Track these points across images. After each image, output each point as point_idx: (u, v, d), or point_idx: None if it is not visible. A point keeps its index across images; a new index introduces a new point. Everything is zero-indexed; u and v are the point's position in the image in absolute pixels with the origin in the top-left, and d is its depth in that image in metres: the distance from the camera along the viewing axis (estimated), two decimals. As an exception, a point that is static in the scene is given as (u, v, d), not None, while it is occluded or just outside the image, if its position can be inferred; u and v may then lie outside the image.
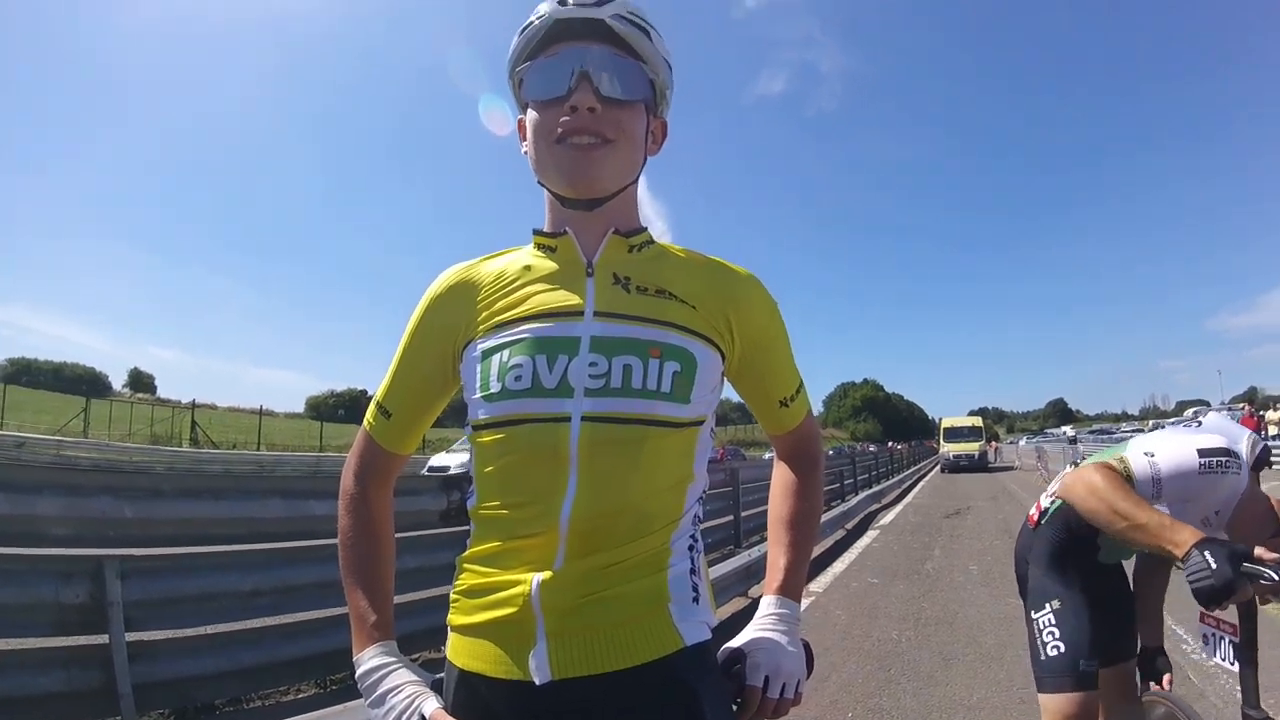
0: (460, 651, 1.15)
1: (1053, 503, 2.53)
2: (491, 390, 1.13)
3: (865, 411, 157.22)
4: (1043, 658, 2.32)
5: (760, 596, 1.35)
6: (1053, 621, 2.34)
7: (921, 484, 27.25)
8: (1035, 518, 2.59)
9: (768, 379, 1.32)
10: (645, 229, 1.27)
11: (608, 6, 1.15)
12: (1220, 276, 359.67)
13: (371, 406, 1.33)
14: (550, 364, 1.12)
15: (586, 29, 1.14)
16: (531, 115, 1.18)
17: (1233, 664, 1.89)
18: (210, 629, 4.23)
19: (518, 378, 1.12)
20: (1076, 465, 2.54)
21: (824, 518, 11.32)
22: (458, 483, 5.37)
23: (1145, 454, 2.12)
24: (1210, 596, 1.68)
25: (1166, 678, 2.51)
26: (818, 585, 8.18)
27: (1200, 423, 2.39)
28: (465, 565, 1.18)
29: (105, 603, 3.64)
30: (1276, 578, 1.66)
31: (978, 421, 42.72)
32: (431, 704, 1.13)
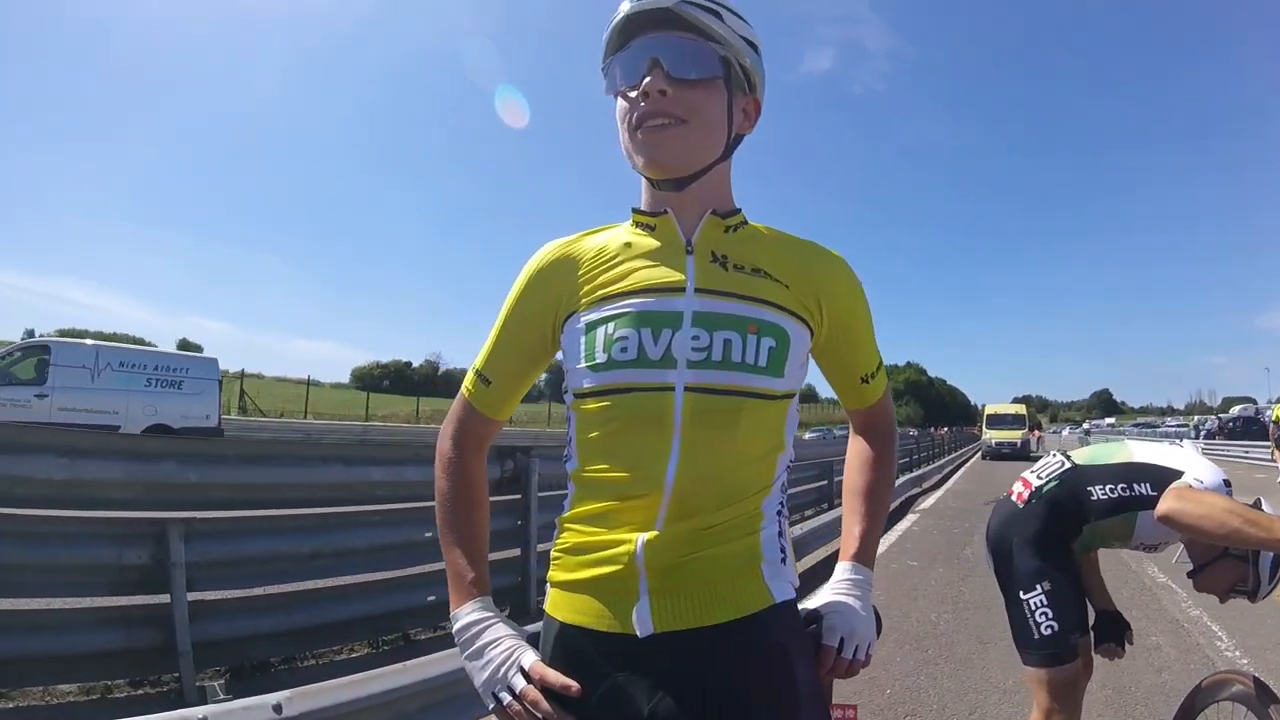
0: (561, 606, 1.22)
1: (1046, 483, 2.62)
2: (598, 360, 1.19)
3: (907, 395, 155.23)
4: (1037, 636, 2.46)
5: (836, 561, 1.41)
6: (1045, 602, 2.47)
7: (963, 470, 27.04)
8: (1024, 496, 2.66)
9: (851, 356, 1.37)
10: (740, 210, 1.32)
11: None
12: (1272, 272, 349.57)
13: (470, 374, 1.38)
14: (655, 337, 1.17)
15: (657, 19, 1.18)
16: (618, 105, 1.23)
17: None
18: (266, 589, 4.36)
19: (624, 349, 1.17)
20: (1064, 453, 2.78)
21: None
22: (511, 453, 5.47)
23: (1197, 479, 2.28)
24: None
25: (1129, 634, 2.74)
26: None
27: (1181, 444, 2.56)
28: (567, 525, 1.25)
29: (168, 564, 3.78)
30: None
31: (1021, 409, 42.18)
32: (530, 656, 1.19)
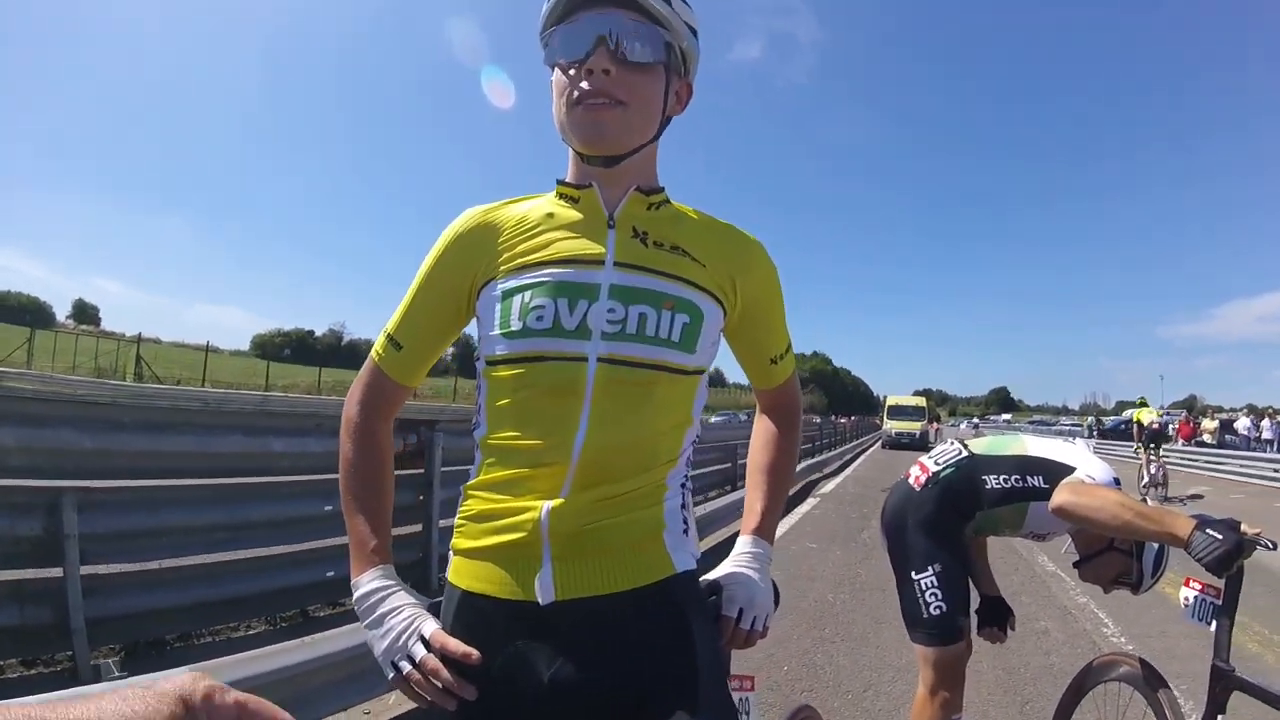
0: (464, 573, 1.23)
1: (944, 469, 2.73)
2: (513, 328, 1.20)
3: (812, 383, 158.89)
4: (925, 616, 2.58)
5: (737, 535, 1.47)
6: (936, 583, 2.58)
7: (863, 457, 27.77)
8: (921, 480, 2.76)
9: (762, 337, 1.42)
10: (663, 189, 1.34)
11: None
12: (1176, 285, 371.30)
13: (381, 338, 1.37)
14: (571, 307, 1.19)
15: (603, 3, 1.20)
16: (556, 76, 1.24)
17: (1210, 623, 2.13)
18: (163, 563, 4.22)
19: (539, 318, 1.19)
20: (962, 442, 2.88)
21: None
22: (415, 426, 5.39)
23: (1089, 476, 2.40)
24: (1224, 563, 1.97)
25: (1011, 620, 2.90)
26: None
27: (1074, 441, 2.71)
28: (472, 492, 1.26)
29: (61, 535, 3.60)
30: (1271, 545, 1.99)
31: (922, 401, 43.55)
32: (431, 625, 1.19)
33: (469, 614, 1.21)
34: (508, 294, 1.23)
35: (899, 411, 40.76)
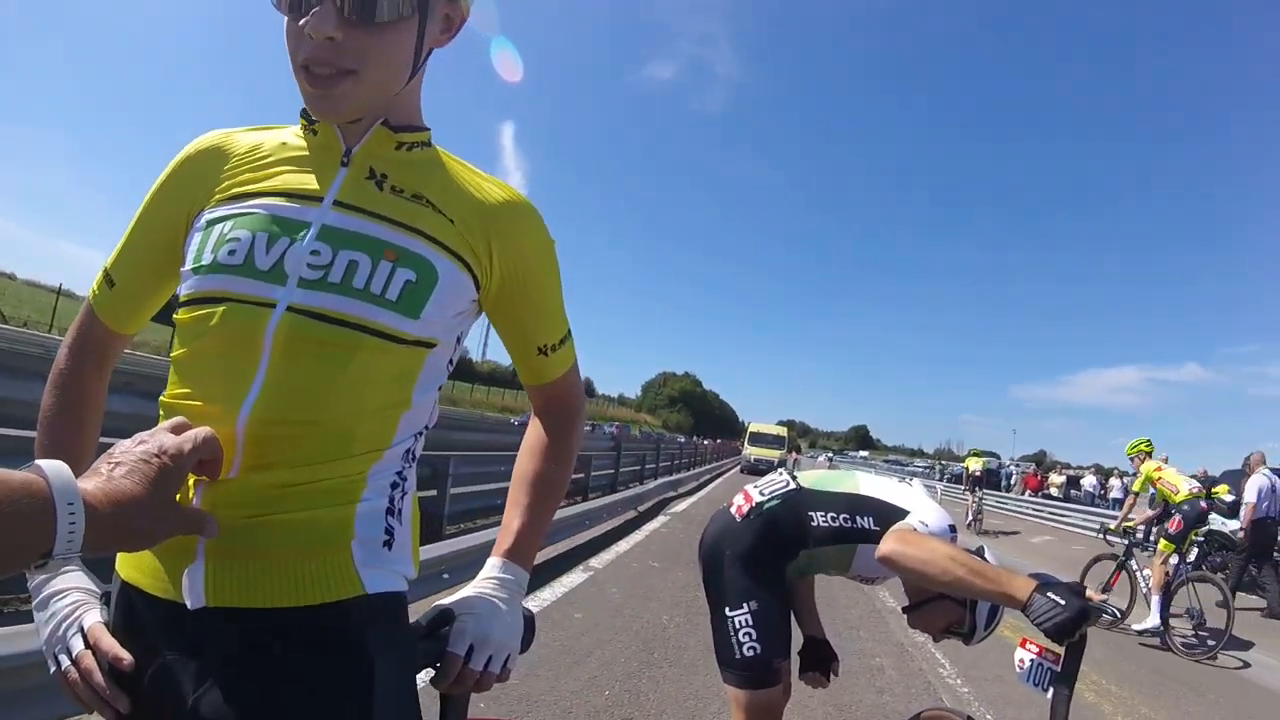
0: (124, 559, 1.01)
1: (768, 500, 2.56)
2: (202, 262, 0.99)
3: (680, 403, 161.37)
4: (738, 656, 2.38)
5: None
6: (750, 622, 2.39)
7: (720, 480, 28.21)
8: (744, 509, 2.58)
9: (527, 320, 1.20)
10: (426, 130, 1.14)
11: None
12: (1034, 349, 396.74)
13: (99, 274, 1.15)
14: (270, 244, 0.98)
15: None
16: (285, 21, 0.99)
17: (1046, 690, 1.95)
18: None
19: (231, 252, 0.98)
20: (791, 474, 2.69)
21: (616, 498, 11.44)
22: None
23: (922, 523, 2.23)
24: (1064, 630, 1.79)
25: (835, 665, 2.74)
26: (598, 561, 8.22)
27: (910, 482, 2.58)
28: None
29: None
30: (1117, 615, 1.76)
31: (783, 431, 44.87)
32: (94, 615, 1.00)
33: (128, 608, 0.99)
34: (210, 224, 1.02)
35: (760, 438, 41.78)
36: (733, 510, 2.61)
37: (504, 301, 1.15)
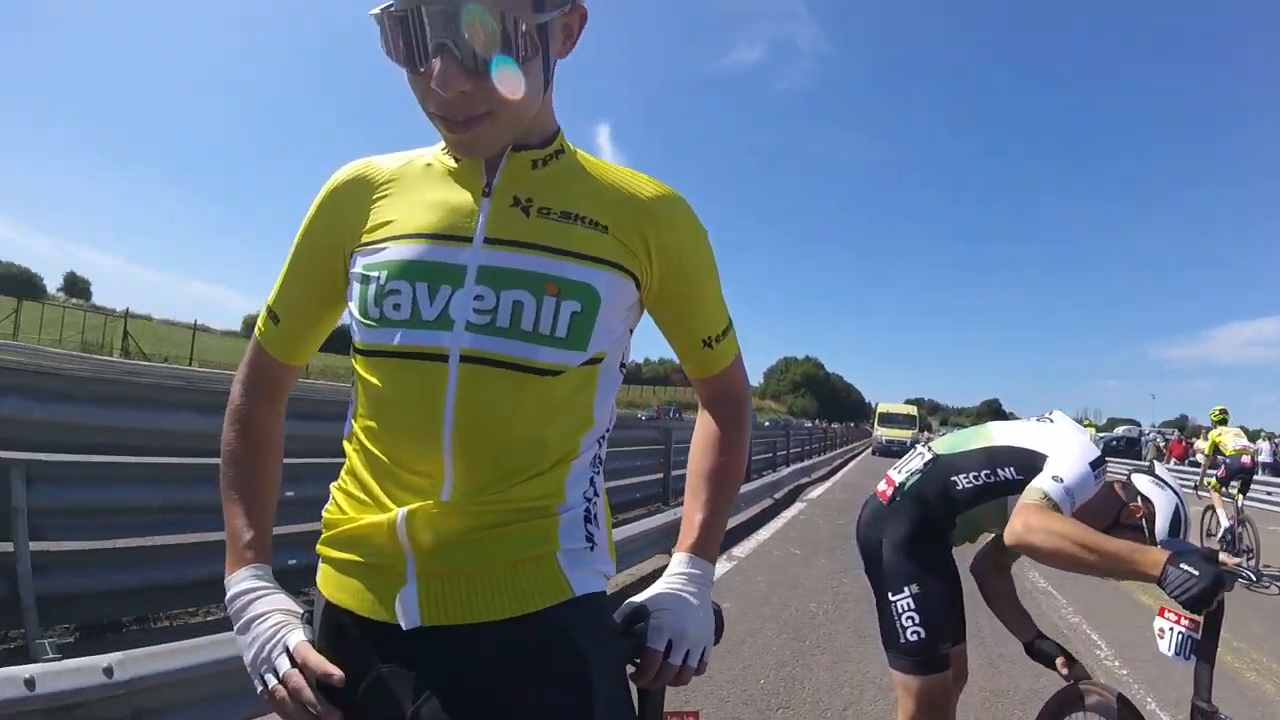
0: (329, 582, 1.07)
1: (908, 479, 2.54)
2: (371, 316, 1.03)
3: (804, 388, 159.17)
4: (903, 641, 2.37)
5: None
6: (912, 606, 2.38)
7: (852, 464, 27.79)
8: (888, 494, 2.58)
9: (690, 313, 1.20)
10: (555, 136, 1.13)
11: None
12: (1172, 306, 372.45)
13: (263, 311, 1.21)
14: (431, 293, 1.01)
15: None
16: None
17: (1189, 659, 1.91)
18: (121, 543, 4.06)
19: (396, 306, 1.02)
20: (926, 446, 2.68)
21: (752, 485, 11.42)
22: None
23: (1054, 479, 2.14)
24: (1202, 600, 1.75)
25: (1059, 660, 2.56)
26: (741, 550, 8.29)
27: (1052, 420, 2.48)
28: (337, 492, 1.10)
29: (10, 509, 3.43)
30: (1253, 578, 1.84)
31: (913, 410, 43.84)
32: (298, 635, 1.04)
33: (333, 627, 1.05)
34: (366, 271, 1.06)
35: (890, 419, 40.95)
36: (879, 496, 2.61)
37: (665, 297, 1.15)
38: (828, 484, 18.27)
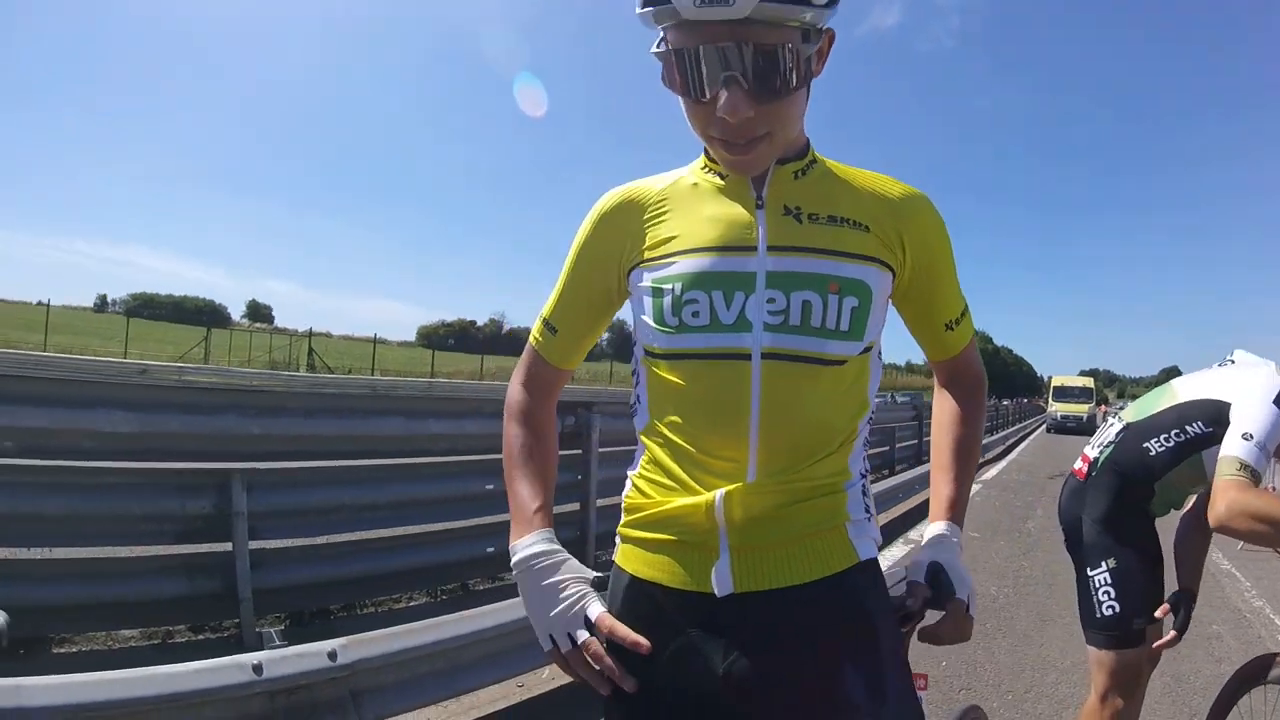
0: (634, 560, 1.19)
1: (1102, 452, 2.49)
2: (669, 324, 1.14)
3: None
4: (1098, 615, 2.38)
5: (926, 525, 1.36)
6: (1109, 580, 2.38)
7: (1026, 442, 26.54)
8: (1084, 470, 2.55)
9: (934, 300, 1.29)
10: (807, 147, 1.23)
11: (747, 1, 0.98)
12: None
13: (538, 323, 1.35)
14: (728, 300, 1.12)
15: (724, 33, 1.00)
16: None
17: None
18: (327, 539, 4.43)
19: (695, 314, 1.13)
20: (1116, 416, 2.63)
21: (923, 470, 11.17)
22: (573, 408, 5.48)
23: (1244, 437, 2.06)
24: None
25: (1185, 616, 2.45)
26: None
27: (1233, 360, 2.42)
28: (639, 480, 1.22)
29: (231, 513, 3.85)
30: None
31: (1089, 382, 41.30)
32: (597, 606, 1.16)
33: (638, 600, 1.17)
34: (659, 283, 1.17)
35: (1065, 393, 38.75)
36: (1076, 474, 2.59)
37: (915, 286, 1.25)
38: (1002, 464, 17.56)
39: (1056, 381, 41.33)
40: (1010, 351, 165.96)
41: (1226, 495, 1.98)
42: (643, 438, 1.23)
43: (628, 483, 1.25)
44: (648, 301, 1.18)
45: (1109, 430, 2.56)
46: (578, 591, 1.17)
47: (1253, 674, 2.38)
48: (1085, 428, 33.04)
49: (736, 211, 1.17)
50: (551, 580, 1.17)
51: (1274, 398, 2.12)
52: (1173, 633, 2.42)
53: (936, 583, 1.23)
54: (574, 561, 1.21)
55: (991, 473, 15.31)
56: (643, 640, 1.10)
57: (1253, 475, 2.00)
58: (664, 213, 1.22)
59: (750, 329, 1.10)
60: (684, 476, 1.14)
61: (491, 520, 5.11)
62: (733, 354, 1.11)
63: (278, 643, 2.58)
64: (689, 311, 1.13)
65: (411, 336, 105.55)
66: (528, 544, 1.20)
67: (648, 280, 1.18)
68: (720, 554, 1.10)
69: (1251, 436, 2.05)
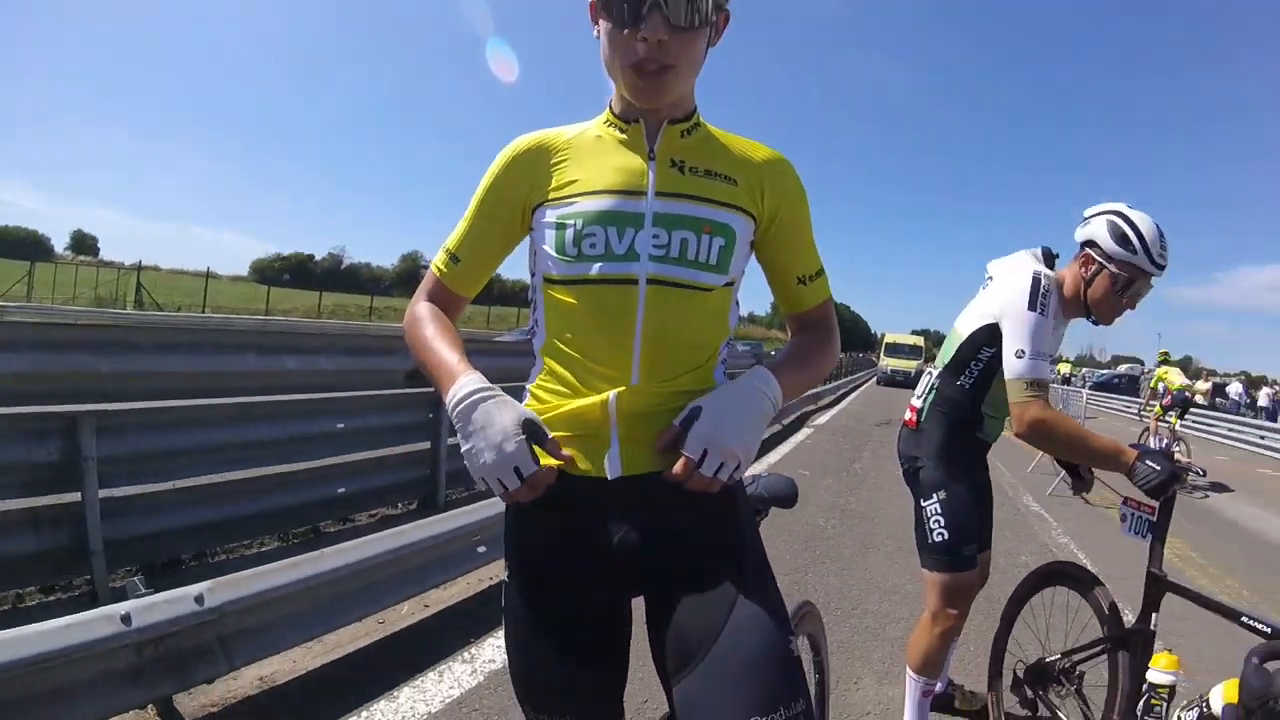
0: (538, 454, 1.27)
1: (925, 398, 2.77)
2: (568, 254, 1.32)
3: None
4: (929, 541, 2.63)
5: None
6: (939, 510, 2.63)
7: (857, 393, 28.03)
8: (914, 420, 2.79)
9: (788, 254, 1.49)
10: (694, 112, 1.42)
11: None
12: (1186, 245, 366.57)
13: (441, 253, 1.49)
14: (620, 234, 1.30)
15: None
16: (605, 27, 1.29)
17: (1146, 537, 2.36)
18: (178, 484, 4.30)
19: (592, 245, 1.30)
20: (927, 370, 2.90)
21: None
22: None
23: (1017, 355, 2.39)
24: (1160, 488, 2.22)
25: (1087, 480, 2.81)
26: (752, 473, 8.58)
27: (991, 278, 2.71)
28: (537, 390, 1.39)
29: (80, 459, 3.63)
30: (1202, 472, 2.35)
31: (919, 340, 43.50)
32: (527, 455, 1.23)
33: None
34: (563, 220, 1.34)
35: (895, 349, 40.84)
36: (907, 424, 2.84)
37: (771, 238, 1.45)
38: (834, 411, 18.69)
39: (888, 338, 43.39)
40: (848, 308, 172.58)
41: (1020, 412, 2.37)
42: (541, 354, 1.40)
43: (525, 394, 1.41)
44: (550, 234, 1.34)
45: (925, 380, 2.83)
46: (519, 434, 1.22)
47: (1042, 577, 2.80)
48: (913, 382, 34.69)
49: (632, 161, 1.37)
50: (497, 415, 1.23)
51: (1027, 303, 2.42)
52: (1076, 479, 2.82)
53: (685, 423, 1.28)
54: (511, 400, 1.29)
55: (824, 419, 16.29)
56: (565, 453, 1.27)
57: (1037, 387, 2.36)
58: (568, 159, 1.39)
59: (638, 259, 1.30)
60: (577, 384, 1.33)
61: (343, 459, 5.11)
62: (623, 279, 1.30)
63: (143, 591, 2.54)
64: (588, 243, 1.31)
65: (245, 270, 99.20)
66: (465, 384, 1.27)
67: (551, 217, 1.35)
68: (611, 444, 1.30)
69: (1024, 352, 2.39)
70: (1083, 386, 30.25)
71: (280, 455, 4.80)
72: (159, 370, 4.26)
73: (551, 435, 1.26)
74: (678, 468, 1.25)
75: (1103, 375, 43.40)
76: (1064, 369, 16.22)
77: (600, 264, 1.30)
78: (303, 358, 5.06)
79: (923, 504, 2.68)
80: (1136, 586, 2.34)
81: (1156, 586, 2.32)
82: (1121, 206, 2.51)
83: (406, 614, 3.86)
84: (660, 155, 1.37)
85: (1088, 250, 2.54)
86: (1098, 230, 2.50)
